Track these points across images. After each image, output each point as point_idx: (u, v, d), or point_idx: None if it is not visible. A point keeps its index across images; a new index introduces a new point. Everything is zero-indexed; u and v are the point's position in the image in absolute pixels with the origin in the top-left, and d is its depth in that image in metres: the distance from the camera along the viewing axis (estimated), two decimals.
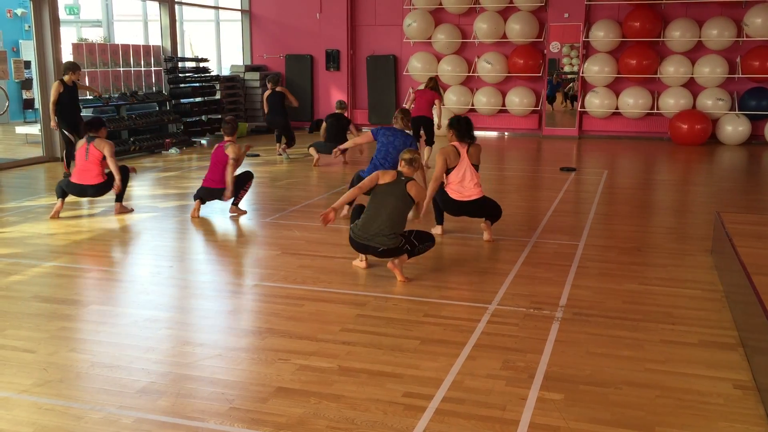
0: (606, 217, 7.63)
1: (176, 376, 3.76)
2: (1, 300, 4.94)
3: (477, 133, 7.17)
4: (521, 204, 8.24)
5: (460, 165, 6.37)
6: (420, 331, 4.39)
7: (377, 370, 3.84)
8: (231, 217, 7.61)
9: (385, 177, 5.49)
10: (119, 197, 7.69)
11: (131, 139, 12.25)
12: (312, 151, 11.25)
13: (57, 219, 7.42)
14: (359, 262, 5.76)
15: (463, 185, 6.40)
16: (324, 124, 11.38)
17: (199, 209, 7.54)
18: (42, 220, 7.36)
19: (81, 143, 7.57)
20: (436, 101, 10.75)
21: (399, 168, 5.61)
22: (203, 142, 13.84)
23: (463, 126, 6.44)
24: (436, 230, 6.75)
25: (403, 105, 12.09)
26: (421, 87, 11.21)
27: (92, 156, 7.43)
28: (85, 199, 8.17)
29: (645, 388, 3.65)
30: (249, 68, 16.10)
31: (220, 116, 14.69)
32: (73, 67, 9.56)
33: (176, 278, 5.52)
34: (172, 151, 12.45)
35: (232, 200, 7.63)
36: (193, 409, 3.40)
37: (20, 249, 6.23)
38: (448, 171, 6.44)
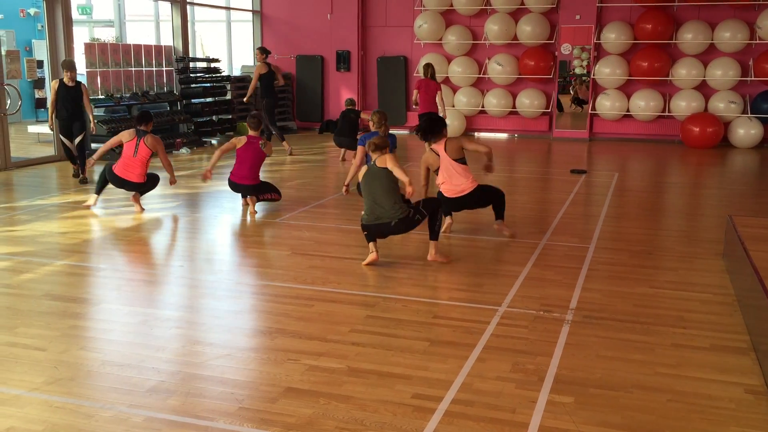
0: (617, 220, 7.59)
1: (186, 375, 3.77)
2: (13, 298, 4.97)
3: (487, 134, 7.25)
4: (531, 206, 8.21)
5: (441, 164, 6.48)
6: (429, 333, 4.38)
7: (387, 371, 3.84)
8: (243, 204, 7.98)
9: (362, 171, 5.98)
10: (143, 192, 7.96)
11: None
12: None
13: (88, 210, 7.83)
14: (371, 254, 5.83)
15: (452, 182, 6.45)
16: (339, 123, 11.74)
17: (253, 203, 7.74)
18: (53, 219, 7.39)
19: (131, 136, 7.61)
20: (438, 92, 10.85)
21: (370, 155, 5.99)
22: (213, 142, 13.87)
23: (423, 127, 6.62)
24: (446, 222, 6.82)
25: (413, 105, 12.11)
26: (420, 76, 11.41)
27: (140, 154, 7.55)
28: (86, 198, 8.23)
29: (656, 392, 3.63)
30: None
31: (230, 116, 14.74)
32: (70, 66, 9.42)
33: (186, 277, 5.54)
34: (183, 151, 12.49)
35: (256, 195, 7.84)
36: (203, 408, 3.41)
37: (32, 247, 6.27)
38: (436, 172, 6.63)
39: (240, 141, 7.70)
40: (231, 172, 7.81)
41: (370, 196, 5.84)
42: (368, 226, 5.83)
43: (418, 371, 3.84)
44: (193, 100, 13.84)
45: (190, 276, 5.59)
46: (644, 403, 3.51)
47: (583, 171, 10.72)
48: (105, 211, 8.00)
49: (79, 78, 9.71)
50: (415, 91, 10.97)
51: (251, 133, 7.81)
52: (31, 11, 17.53)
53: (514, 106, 15.07)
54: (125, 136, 7.69)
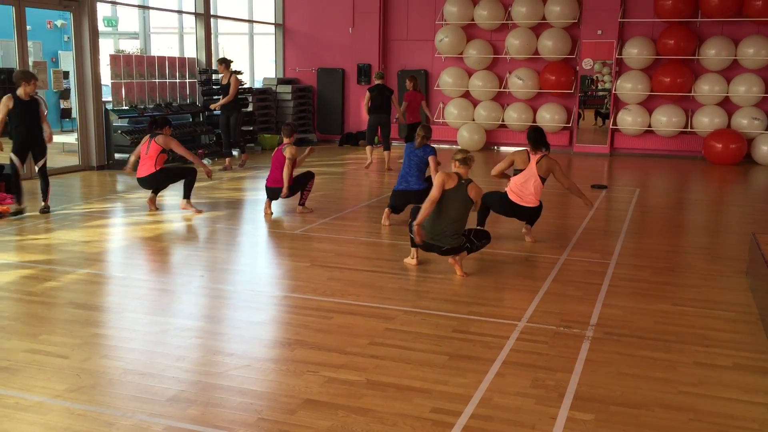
0: (638, 236, 7.54)
1: (206, 385, 3.79)
2: (37, 306, 5.03)
3: (507, 148, 7.35)
4: (552, 221, 8.17)
5: (525, 171, 6.90)
6: (449, 347, 4.37)
7: (406, 384, 3.83)
8: (300, 212, 8.30)
9: (450, 182, 5.78)
10: (187, 194, 8.25)
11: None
12: (368, 151, 12.26)
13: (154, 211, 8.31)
14: (410, 259, 6.16)
15: (523, 190, 6.91)
16: (368, 95, 12.06)
17: (269, 206, 8.25)
18: (77, 228, 7.48)
19: (144, 140, 8.19)
20: (423, 102, 11.34)
21: (454, 169, 5.89)
22: (234, 153, 13.96)
23: (533, 137, 6.97)
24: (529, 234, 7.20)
25: (397, 117, 12.75)
26: (410, 88, 12.15)
27: (152, 150, 8.08)
28: (120, 206, 8.33)
29: (678, 411, 3.59)
30: (281, 81, 16.26)
31: (252, 128, 14.84)
32: (26, 77, 7.94)
33: (207, 287, 5.57)
34: (205, 161, 12.58)
35: (298, 200, 8.37)
36: (222, 418, 3.42)
37: (55, 256, 6.35)
38: (516, 172, 6.98)
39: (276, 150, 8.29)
40: (267, 179, 8.34)
41: (443, 212, 5.75)
42: (422, 241, 5.80)
43: (437, 385, 3.83)
44: (215, 112, 13.93)
45: (210, 286, 5.63)
46: (666, 422, 3.47)
47: (604, 186, 10.66)
48: (127, 220, 8.08)
49: (104, 89, 9.81)
50: (404, 103, 12.00)
51: (285, 141, 8.29)
52: (58, 23, 17.81)
53: (534, 121, 15.03)
54: (143, 140, 8.29)
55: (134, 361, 4.09)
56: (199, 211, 8.26)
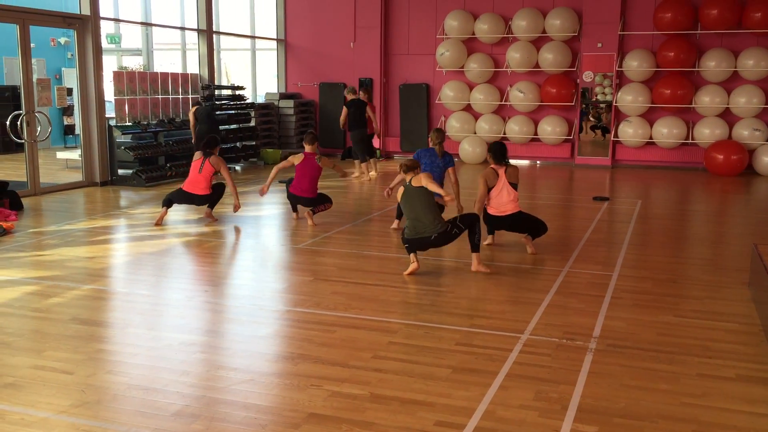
0: (640, 248, 7.55)
1: (210, 399, 3.80)
2: (41, 322, 5.05)
3: (509, 161, 7.44)
4: (553, 233, 8.17)
5: (497, 184, 7.12)
6: (452, 360, 4.38)
7: (409, 398, 3.84)
8: (307, 216, 8.54)
9: (400, 192, 6.58)
10: (212, 205, 8.73)
11: (168, 164, 12.48)
12: (372, 164, 12.62)
13: (160, 226, 8.38)
14: (412, 264, 6.37)
15: (499, 201, 7.12)
16: (345, 111, 12.33)
17: (297, 214, 8.81)
18: (81, 244, 7.51)
19: (198, 156, 8.62)
20: (368, 108, 12.16)
21: (400, 177, 6.74)
22: (237, 168, 14.03)
23: (497, 151, 7.26)
24: (488, 240, 7.50)
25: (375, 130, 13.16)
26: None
27: (206, 171, 8.51)
28: (123, 223, 8.37)
29: (681, 423, 3.59)
30: (283, 96, 16.34)
31: (254, 143, 14.91)
32: None
33: (211, 302, 5.59)
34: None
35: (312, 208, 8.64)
36: None
37: (59, 272, 6.37)
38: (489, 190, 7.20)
39: (297, 158, 8.53)
40: (291, 185, 8.61)
41: (412, 213, 6.41)
42: (410, 239, 6.39)
43: (441, 398, 3.84)
44: (219, 127, 14.00)
45: (214, 301, 5.64)
46: None
47: (606, 198, 10.68)
48: (131, 236, 8.12)
49: (108, 105, 9.91)
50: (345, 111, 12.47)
51: (308, 149, 8.62)
52: (62, 40, 17.96)
53: (535, 133, 15.09)
54: (195, 156, 8.75)
55: (138, 376, 4.11)
56: (215, 220, 8.73)
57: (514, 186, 7.16)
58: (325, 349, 4.57)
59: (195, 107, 12.34)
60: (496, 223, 7.26)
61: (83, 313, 5.25)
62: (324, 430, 3.46)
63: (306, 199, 8.54)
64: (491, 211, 7.19)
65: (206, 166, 8.50)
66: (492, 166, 7.23)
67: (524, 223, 7.23)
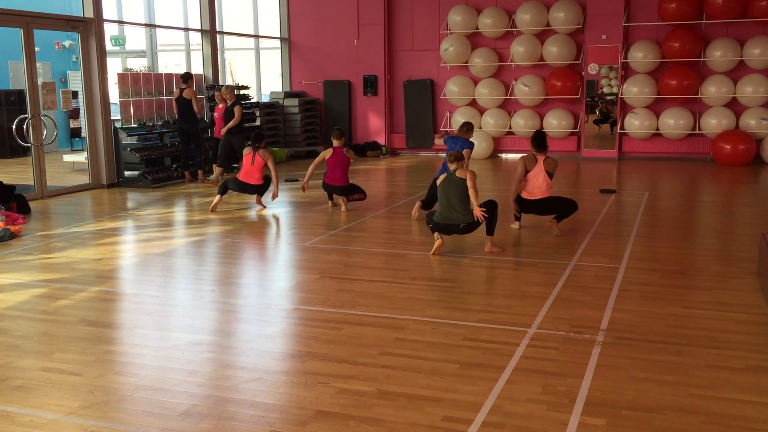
0: (648, 240, 7.52)
1: (218, 399, 3.81)
2: (49, 324, 5.07)
3: (515, 155, 7.68)
4: (561, 226, 8.14)
5: (534, 169, 7.59)
6: (459, 355, 4.38)
7: (416, 394, 3.84)
8: (343, 203, 9.23)
9: (441, 177, 6.97)
10: (261, 194, 9.49)
11: (173, 165, 12.51)
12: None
13: (214, 212, 9.25)
14: (438, 241, 6.86)
15: (534, 185, 7.61)
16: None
17: (333, 202, 9.52)
18: (88, 246, 7.54)
19: (249, 151, 9.41)
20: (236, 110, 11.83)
21: (452, 167, 6.89)
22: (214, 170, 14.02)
23: (536, 139, 7.77)
24: (514, 225, 8.03)
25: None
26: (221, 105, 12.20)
27: (257, 163, 9.31)
28: (131, 224, 8.39)
29: (690, 414, 3.58)
30: (288, 94, 16.35)
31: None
32: None
33: (218, 302, 5.60)
34: (211, 177, 12.65)
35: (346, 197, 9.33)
36: (235, 431, 3.44)
37: (67, 274, 6.40)
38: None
39: (328, 153, 9.31)
40: (325, 177, 9.39)
41: (446, 200, 6.85)
42: (438, 224, 6.87)
43: (448, 394, 3.83)
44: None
45: (221, 300, 5.66)
46: (678, 426, 3.46)
47: (613, 191, 10.64)
48: (138, 237, 8.14)
49: (114, 107, 9.95)
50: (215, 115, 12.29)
51: (335, 143, 9.37)
52: (66, 43, 18.01)
53: (541, 127, 15.04)
54: (246, 151, 9.54)
55: (146, 376, 4.12)
56: (263, 207, 9.44)
57: (550, 175, 7.60)
58: (332, 346, 4.57)
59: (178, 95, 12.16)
60: (527, 206, 7.69)
61: (91, 315, 5.26)
62: (332, 428, 3.46)
63: (339, 187, 9.35)
64: (524, 194, 7.64)
65: (257, 159, 9.30)
66: (533, 152, 7.69)
67: (554, 206, 7.69)
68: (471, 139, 8.94)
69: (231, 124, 11.79)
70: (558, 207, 7.73)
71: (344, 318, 5.12)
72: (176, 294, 5.93)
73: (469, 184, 6.76)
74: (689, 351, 4.40)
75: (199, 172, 12.37)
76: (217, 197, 9.36)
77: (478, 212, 6.72)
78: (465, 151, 8.59)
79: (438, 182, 6.98)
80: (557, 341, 4.59)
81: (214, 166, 12.33)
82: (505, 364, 4.23)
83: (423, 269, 6.42)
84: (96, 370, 4.21)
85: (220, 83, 14.68)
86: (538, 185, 7.58)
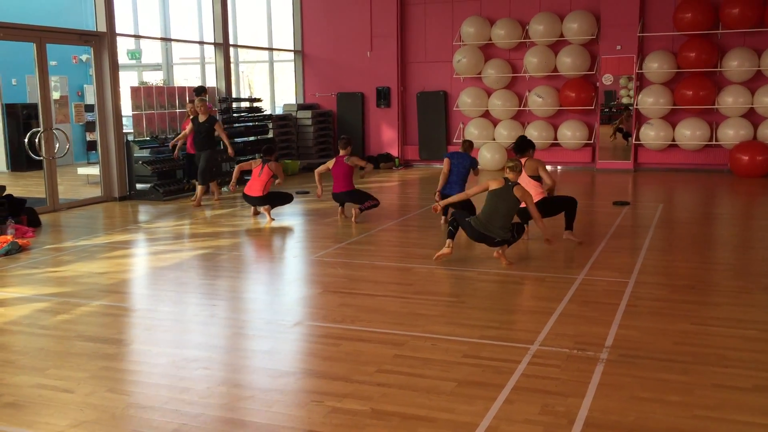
0: (660, 253, 7.37)
1: (208, 418, 3.74)
2: (47, 339, 5.04)
3: None
4: (576, 234, 8.02)
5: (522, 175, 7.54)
6: (458, 373, 4.28)
7: (411, 413, 3.74)
8: (354, 214, 9.31)
9: (495, 183, 6.82)
10: (274, 206, 9.60)
11: (185, 178, 12.52)
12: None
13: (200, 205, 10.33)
14: (445, 249, 6.87)
15: None
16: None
17: (342, 212, 9.63)
18: (95, 259, 7.53)
19: (258, 163, 9.58)
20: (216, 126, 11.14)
21: (505, 174, 6.83)
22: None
23: (515, 144, 7.95)
24: (571, 236, 7.87)
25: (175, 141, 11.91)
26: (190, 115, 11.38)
27: (264, 175, 9.43)
28: (139, 238, 8.39)
29: None
30: (301, 107, 16.36)
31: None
32: None
33: (219, 317, 5.55)
34: (225, 189, 12.66)
35: (360, 206, 9.45)
36: None
37: (71, 288, 6.38)
38: None
39: (331, 162, 9.55)
40: (332, 187, 9.53)
41: (493, 209, 6.77)
42: (475, 231, 6.77)
43: (443, 413, 3.73)
44: (235, 140, 14.05)
45: (222, 315, 5.60)
46: None
47: (626, 203, 10.49)
48: (145, 251, 8.13)
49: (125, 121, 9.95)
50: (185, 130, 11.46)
51: (341, 152, 9.48)
52: (83, 57, 18.17)
53: (555, 138, 14.92)
54: (254, 163, 9.69)
55: (139, 394, 4.07)
56: (271, 219, 9.39)
57: (535, 178, 7.60)
58: (329, 363, 4.49)
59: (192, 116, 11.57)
60: (526, 213, 7.53)
61: (89, 330, 5.23)
62: None
63: (344, 194, 9.45)
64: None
65: (265, 170, 9.44)
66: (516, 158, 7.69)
67: (553, 208, 7.70)
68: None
69: (227, 142, 11.17)
70: (556, 208, 7.74)
71: (344, 334, 5.04)
72: (177, 309, 5.87)
73: (527, 198, 6.75)
74: (696, 369, 4.27)
75: (212, 184, 12.26)
76: (252, 208, 9.82)
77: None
78: (474, 170, 9.02)
79: (490, 188, 6.83)
80: (560, 359, 4.48)
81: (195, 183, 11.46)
82: (505, 382, 4.12)
83: (427, 283, 6.33)
84: (89, 387, 4.16)
85: (237, 95, 14.72)
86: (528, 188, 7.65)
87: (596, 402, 3.84)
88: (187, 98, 12.93)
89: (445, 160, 9.03)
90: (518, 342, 4.79)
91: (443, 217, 8.90)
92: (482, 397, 3.93)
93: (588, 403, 3.84)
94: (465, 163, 8.94)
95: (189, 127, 11.35)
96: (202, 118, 11.05)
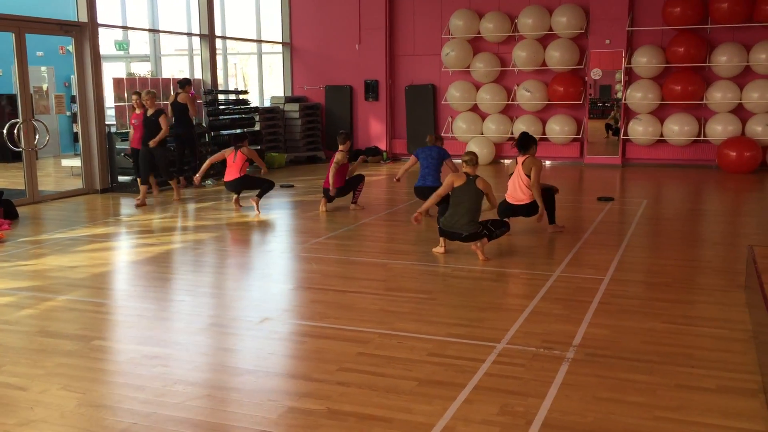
0: (638, 250, 7.30)
1: (159, 417, 3.66)
2: (7, 334, 4.96)
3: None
4: (549, 235, 7.96)
5: (514, 173, 7.76)
6: (420, 371, 4.21)
7: (367, 413, 3.67)
8: (352, 210, 9.54)
9: (459, 181, 6.82)
10: (260, 195, 9.62)
11: (170, 169, 12.40)
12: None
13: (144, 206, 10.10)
14: (439, 248, 7.03)
15: (512, 188, 7.76)
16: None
17: (324, 204, 9.57)
18: (68, 252, 7.44)
19: (229, 151, 9.73)
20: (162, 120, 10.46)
21: (463, 169, 6.88)
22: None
23: (517, 140, 7.93)
24: (556, 228, 8.00)
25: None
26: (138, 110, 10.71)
27: (239, 160, 9.64)
28: (118, 230, 8.30)
29: None
30: (289, 99, 16.25)
31: (258, 147, 14.80)
32: None
33: (184, 313, 5.47)
34: (209, 182, 12.57)
35: (351, 199, 9.68)
36: None
37: (39, 282, 6.29)
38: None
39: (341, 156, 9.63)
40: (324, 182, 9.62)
41: (457, 205, 6.79)
42: (444, 230, 6.89)
43: (400, 413, 3.66)
44: (221, 132, 13.96)
45: (189, 311, 5.51)
46: None
47: (610, 198, 10.42)
48: (120, 244, 8.04)
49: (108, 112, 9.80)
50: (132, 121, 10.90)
51: (340, 148, 9.50)
52: (71, 48, 18.01)
53: (544, 133, 14.83)
54: (227, 152, 9.78)
55: (93, 392, 3.99)
56: (258, 213, 9.40)
57: (528, 176, 7.64)
58: (291, 361, 4.42)
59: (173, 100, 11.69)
60: (511, 211, 7.78)
61: (52, 326, 5.14)
62: None
63: (336, 189, 9.49)
64: (509, 199, 7.80)
65: (239, 155, 9.62)
66: (517, 155, 7.88)
67: (532, 211, 7.75)
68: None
69: (159, 137, 10.34)
70: (533, 210, 7.79)
71: (310, 331, 4.97)
72: (145, 304, 5.78)
73: (484, 190, 6.80)
74: (661, 369, 4.20)
75: (151, 179, 11.07)
76: (234, 196, 9.93)
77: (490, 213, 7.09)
78: (448, 162, 8.98)
79: (455, 185, 6.83)
80: (525, 357, 4.41)
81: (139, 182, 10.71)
82: (467, 381, 4.05)
83: (401, 279, 6.26)
84: (43, 384, 4.08)
85: (226, 87, 14.61)
86: (514, 188, 7.74)
87: (557, 402, 3.78)
88: (172, 89, 12.81)
89: (411, 157, 9.28)
90: (485, 340, 4.72)
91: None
92: (442, 396, 3.86)
93: (548, 403, 3.77)
94: (433, 153, 9.07)
95: (137, 121, 10.70)
96: (150, 112, 10.44)
